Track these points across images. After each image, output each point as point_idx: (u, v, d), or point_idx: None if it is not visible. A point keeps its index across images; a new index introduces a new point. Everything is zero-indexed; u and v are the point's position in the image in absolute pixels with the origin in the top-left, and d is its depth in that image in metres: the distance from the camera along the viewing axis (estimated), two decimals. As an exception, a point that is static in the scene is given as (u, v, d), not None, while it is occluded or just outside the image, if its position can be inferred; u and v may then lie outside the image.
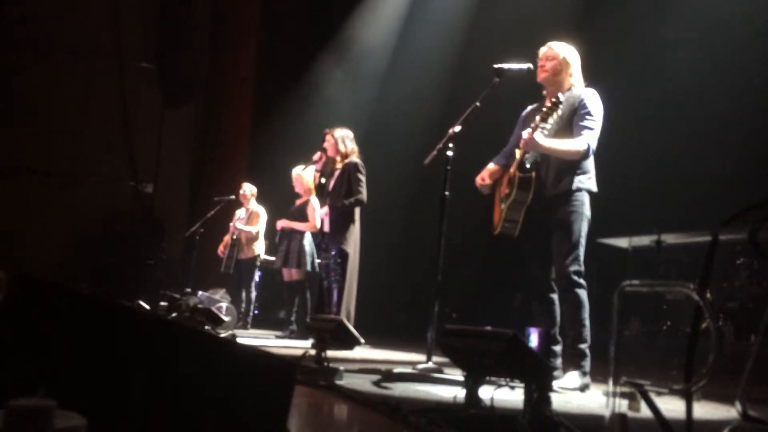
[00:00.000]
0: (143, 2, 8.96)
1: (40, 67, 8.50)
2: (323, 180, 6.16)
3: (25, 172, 8.40)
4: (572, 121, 3.59)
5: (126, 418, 1.25)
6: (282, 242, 6.88)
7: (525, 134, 3.49)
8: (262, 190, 7.91)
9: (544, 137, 3.49)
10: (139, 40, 8.93)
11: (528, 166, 3.58)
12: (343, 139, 5.83)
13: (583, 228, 3.58)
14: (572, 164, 3.57)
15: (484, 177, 3.84)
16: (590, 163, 3.65)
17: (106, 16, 8.71)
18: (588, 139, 3.53)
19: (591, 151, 3.56)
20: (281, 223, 6.85)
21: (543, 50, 3.78)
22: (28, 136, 8.38)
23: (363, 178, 5.64)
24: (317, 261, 6.55)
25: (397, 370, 3.45)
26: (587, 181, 3.62)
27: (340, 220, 5.61)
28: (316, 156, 6.12)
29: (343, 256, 5.52)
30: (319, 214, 6.12)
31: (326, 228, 5.75)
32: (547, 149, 3.52)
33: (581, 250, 3.56)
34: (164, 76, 8.86)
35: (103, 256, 8.01)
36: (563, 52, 3.74)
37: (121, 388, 1.28)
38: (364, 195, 5.60)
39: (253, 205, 7.77)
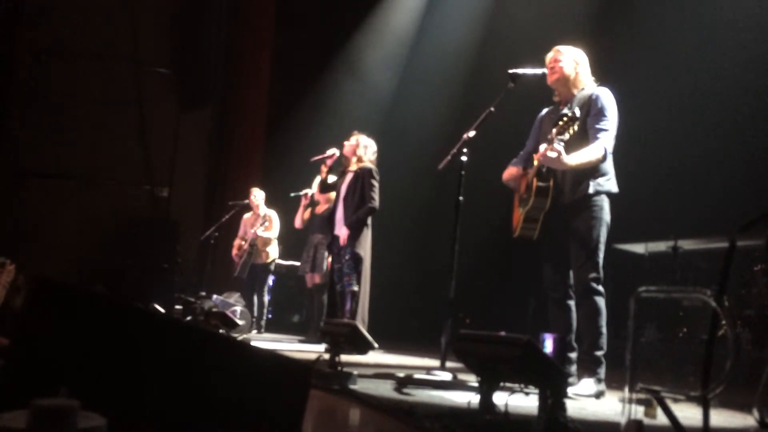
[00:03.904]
0: (160, 8, 9.05)
1: (57, 72, 8.60)
2: (330, 179, 6.10)
3: (42, 176, 8.50)
4: (586, 122, 3.56)
5: (143, 419, 1.26)
6: (310, 249, 6.89)
7: (542, 148, 3.45)
8: (277, 195, 7.93)
9: (561, 154, 3.36)
10: (155, 46, 9.01)
11: (545, 172, 3.55)
12: (366, 147, 5.79)
13: (602, 234, 3.54)
14: (590, 168, 3.54)
15: (512, 172, 3.86)
16: (608, 165, 3.60)
17: (123, 22, 8.80)
18: (604, 142, 3.49)
19: (608, 154, 3.53)
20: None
21: (550, 55, 3.77)
22: (45, 140, 8.48)
23: (376, 184, 5.61)
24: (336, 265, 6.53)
25: (416, 375, 3.44)
26: (606, 183, 3.58)
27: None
28: (330, 152, 6.08)
29: (357, 259, 5.51)
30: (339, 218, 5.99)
31: (336, 231, 5.73)
32: (566, 167, 3.45)
33: (600, 257, 3.52)
34: (180, 81, 8.94)
35: (118, 259, 8.07)
36: (571, 53, 3.72)
37: (138, 389, 1.29)
38: (376, 202, 5.57)
39: (266, 210, 7.79)
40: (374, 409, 2.49)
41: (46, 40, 8.62)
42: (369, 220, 5.64)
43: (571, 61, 3.69)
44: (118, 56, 8.82)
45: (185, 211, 9.13)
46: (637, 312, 1.70)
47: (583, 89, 3.68)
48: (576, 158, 3.44)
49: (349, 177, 5.79)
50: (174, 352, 1.34)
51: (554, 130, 3.39)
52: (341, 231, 5.61)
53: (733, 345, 1.55)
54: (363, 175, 5.64)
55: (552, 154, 3.36)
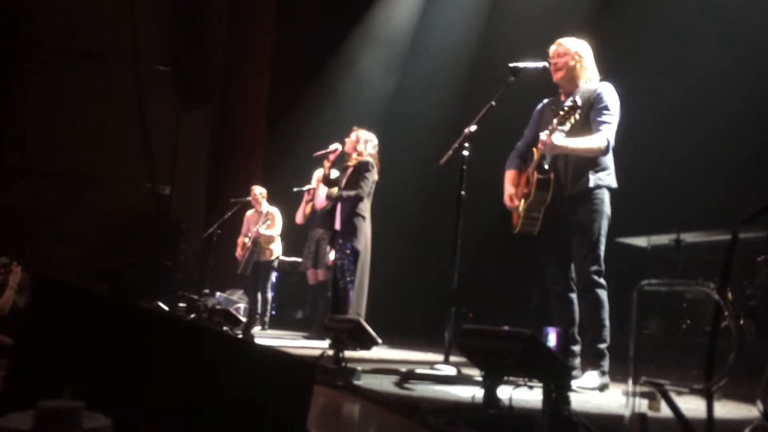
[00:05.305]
0: (160, 6, 9.04)
1: (58, 70, 8.60)
2: (333, 174, 6.09)
3: (43, 175, 8.51)
4: (589, 116, 3.55)
5: (147, 418, 1.27)
6: (311, 244, 6.89)
7: (543, 136, 3.44)
8: (278, 192, 7.93)
9: (562, 138, 3.41)
10: (156, 44, 9.01)
11: (546, 167, 3.53)
12: (366, 142, 5.81)
13: (603, 227, 3.54)
14: (591, 162, 3.54)
15: (512, 197, 3.75)
16: (609, 159, 3.61)
17: (123, 21, 8.79)
18: (607, 134, 3.49)
19: (611, 146, 3.53)
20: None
21: (553, 48, 3.73)
22: (46, 139, 8.49)
23: (369, 177, 5.63)
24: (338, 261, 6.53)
25: (420, 370, 3.45)
26: (606, 177, 3.58)
27: (349, 217, 5.61)
28: (333, 147, 6.08)
29: (355, 254, 5.52)
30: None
31: (337, 225, 5.74)
32: (567, 150, 3.47)
33: (601, 250, 3.52)
34: (181, 78, 8.94)
35: (121, 257, 8.09)
36: (574, 46, 3.69)
37: (141, 388, 1.29)
38: (363, 192, 5.58)
39: (268, 207, 7.79)
40: (378, 405, 2.49)
41: (47, 39, 8.61)
42: (366, 212, 5.63)
43: (575, 53, 3.67)
44: (119, 54, 8.82)
45: (187, 208, 9.14)
46: (640, 305, 1.70)
47: (587, 82, 3.67)
48: (577, 142, 3.44)
49: (349, 172, 5.82)
50: (177, 350, 1.34)
51: (555, 120, 3.39)
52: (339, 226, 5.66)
53: (736, 337, 1.55)
54: (360, 168, 5.68)
55: (555, 141, 3.36)
